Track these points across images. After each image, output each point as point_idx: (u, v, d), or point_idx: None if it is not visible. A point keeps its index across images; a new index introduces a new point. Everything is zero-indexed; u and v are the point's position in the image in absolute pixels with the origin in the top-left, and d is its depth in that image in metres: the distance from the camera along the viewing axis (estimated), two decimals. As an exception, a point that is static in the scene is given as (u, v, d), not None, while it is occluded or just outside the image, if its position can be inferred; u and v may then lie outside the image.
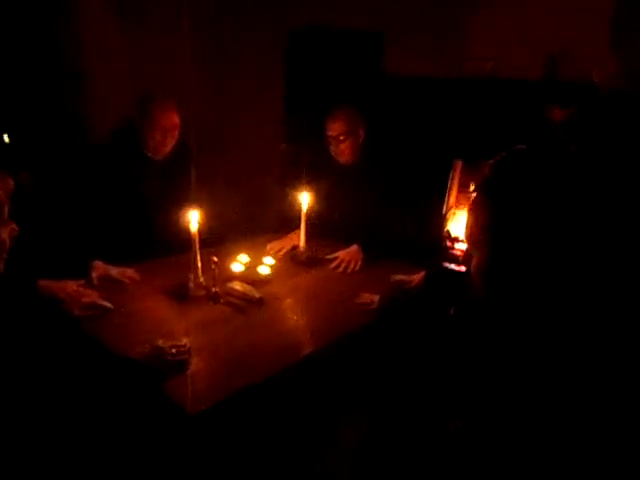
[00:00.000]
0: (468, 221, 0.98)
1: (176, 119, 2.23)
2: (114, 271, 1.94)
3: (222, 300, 1.84)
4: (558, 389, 0.84)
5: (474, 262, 0.97)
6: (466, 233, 0.99)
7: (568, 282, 0.87)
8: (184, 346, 1.44)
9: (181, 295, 1.84)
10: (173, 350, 1.41)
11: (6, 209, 1.30)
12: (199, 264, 1.84)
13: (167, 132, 2.21)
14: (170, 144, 2.26)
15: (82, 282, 1.80)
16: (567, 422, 0.82)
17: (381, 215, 2.34)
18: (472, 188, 0.97)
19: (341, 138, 2.35)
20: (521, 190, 0.88)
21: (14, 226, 1.36)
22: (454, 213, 2.46)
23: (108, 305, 1.70)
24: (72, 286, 1.73)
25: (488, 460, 0.89)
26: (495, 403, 0.90)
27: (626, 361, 0.85)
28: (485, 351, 0.96)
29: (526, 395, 0.85)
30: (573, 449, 0.82)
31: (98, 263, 1.92)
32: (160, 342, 1.42)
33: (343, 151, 2.39)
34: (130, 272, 1.96)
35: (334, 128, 2.36)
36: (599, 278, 0.89)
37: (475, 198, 0.96)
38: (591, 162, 0.93)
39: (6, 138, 2.98)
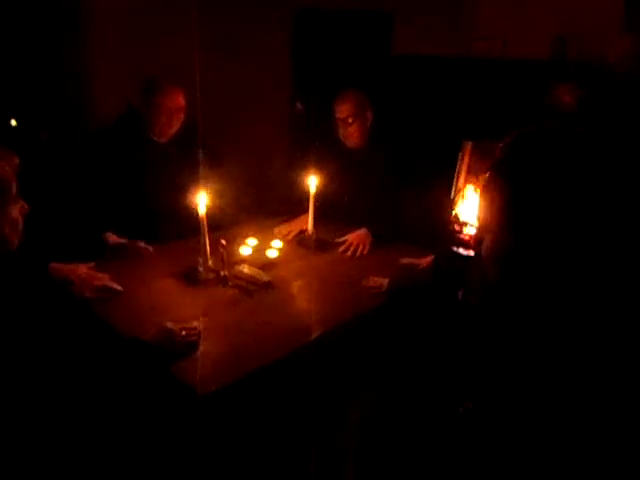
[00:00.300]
0: (481, 203, 0.97)
1: (182, 101, 2.22)
2: (128, 241, 2.00)
3: (231, 283, 1.84)
4: (568, 372, 0.83)
5: (486, 245, 0.96)
6: (478, 215, 0.98)
7: (584, 266, 0.86)
8: (194, 328, 1.46)
9: (190, 278, 1.85)
10: (183, 332, 1.42)
11: (14, 186, 1.29)
12: (208, 248, 1.85)
13: (173, 114, 2.20)
14: (175, 126, 2.25)
15: (92, 265, 1.81)
16: (576, 406, 0.82)
17: (389, 198, 2.33)
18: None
19: (349, 120, 2.33)
20: (535, 171, 0.86)
21: (24, 204, 1.35)
22: (463, 196, 2.44)
23: (118, 288, 1.71)
24: (83, 269, 1.74)
25: (498, 442, 0.89)
26: (505, 386, 0.90)
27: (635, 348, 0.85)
28: (494, 335, 0.95)
29: (536, 378, 0.85)
30: (582, 435, 0.82)
31: (111, 234, 2.01)
32: (169, 324, 1.43)
33: (351, 134, 2.36)
34: (142, 244, 2.00)
35: (342, 110, 2.34)
36: (613, 263, 0.88)
37: (488, 180, 0.95)
38: (602, 142, 0.91)
39: (13, 122, 2.98)
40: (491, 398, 0.92)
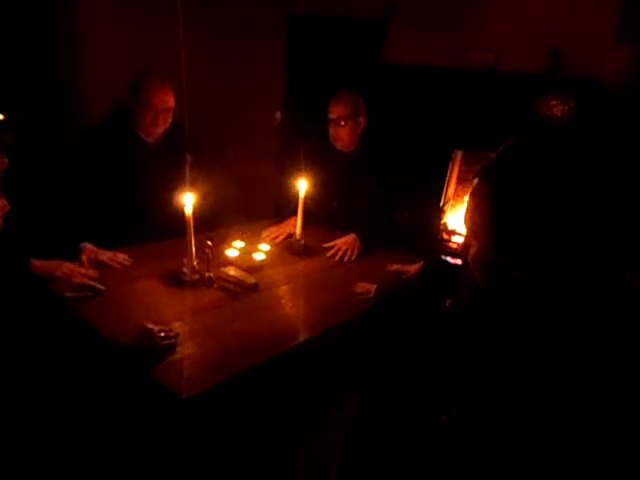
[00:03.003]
0: (469, 208, 0.96)
1: (170, 102, 2.17)
2: (104, 255, 1.90)
3: (216, 285, 1.81)
4: (554, 380, 0.83)
5: (473, 250, 0.96)
6: (466, 220, 0.97)
7: (570, 271, 0.86)
8: (171, 330, 1.43)
9: (175, 279, 1.82)
10: (162, 334, 1.39)
11: None
12: (193, 248, 1.81)
13: (159, 113, 2.15)
14: (161, 126, 2.20)
15: (77, 264, 1.77)
16: (562, 414, 0.82)
17: (379, 204, 2.32)
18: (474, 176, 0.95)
19: (342, 123, 2.32)
20: (525, 177, 0.87)
21: (5, 202, 1.32)
22: (452, 205, 2.44)
23: (99, 287, 1.67)
24: (68, 265, 1.70)
25: (482, 449, 0.88)
26: (490, 393, 0.89)
27: (622, 355, 0.85)
28: (481, 341, 0.94)
29: (521, 386, 0.84)
30: (566, 439, 0.81)
31: (88, 245, 1.89)
32: (149, 325, 1.41)
33: (342, 136, 2.36)
34: (122, 257, 1.93)
35: (335, 111, 2.33)
36: (600, 267, 0.88)
37: (477, 184, 0.94)
38: (587, 152, 0.92)
39: (0, 116, 2.92)
40: (476, 406, 0.91)
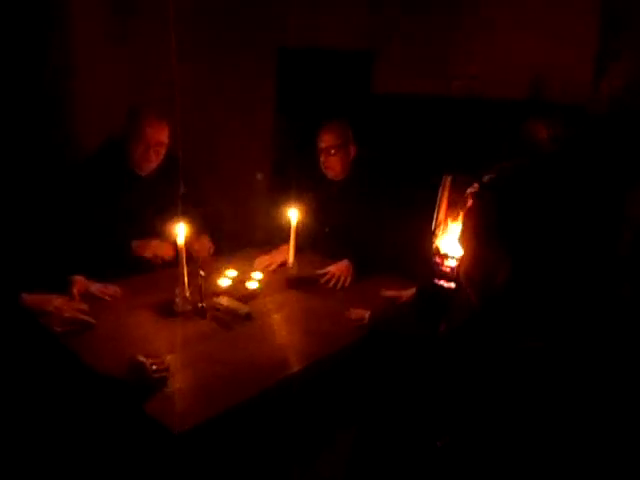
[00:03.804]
0: (467, 225, 0.97)
1: (163, 137, 2.18)
2: (95, 287, 1.89)
3: (209, 315, 1.80)
4: (549, 405, 0.82)
5: (467, 266, 0.96)
6: (464, 238, 0.98)
7: (565, 283, 0.87)
8: (163, 363, 1.40)
9: (167, 310, 1.80)
10: (153, 367, 1.37)
11: None
12: (186, 278, 1.80)
13: (151, 148, 2.15)
14: (154, 161, 2.20)
15: (68, 297, 1.75)
16: (557, 439, 0.81)
17: (371, 231, 2.33)
18: (469, 191, 0.97)
19: (332, 152, 2.35)
20: (525, 193, 0.89)
21: None
22: (444, 229, 2.46)
23: (90, 320, 1.65)
24: (58, 300, 1.68)
25: (477, 476, 0.87)
26: (484, 419, 0.88)
27: (617, 370, 0.85)
28: (475, 366, 0.94)
29: (516, 411, 0.84)
30: (561, 465, 0.80)
31: (79, 278, 1.87)
32: (141, 357, 1.38)
33: (333, 165, 2.39)
34: (112, 289, 1.91)
35: (326, 140, 2.36)
36: (593, 279, 0.89)
37: (477, 199, 0.95)
38: (580, 174, 0.94)
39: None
40: (470, 432, 0.90)
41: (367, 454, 1.12)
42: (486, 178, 0.94)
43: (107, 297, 1.88)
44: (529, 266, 0.88)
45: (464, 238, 0.97)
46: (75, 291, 1.81)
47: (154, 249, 2.16)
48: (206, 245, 2.30)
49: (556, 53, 2.52)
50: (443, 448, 0.93)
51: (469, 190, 0.97)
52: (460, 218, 0.99)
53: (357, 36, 3.20)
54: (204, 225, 2.29)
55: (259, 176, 3.58)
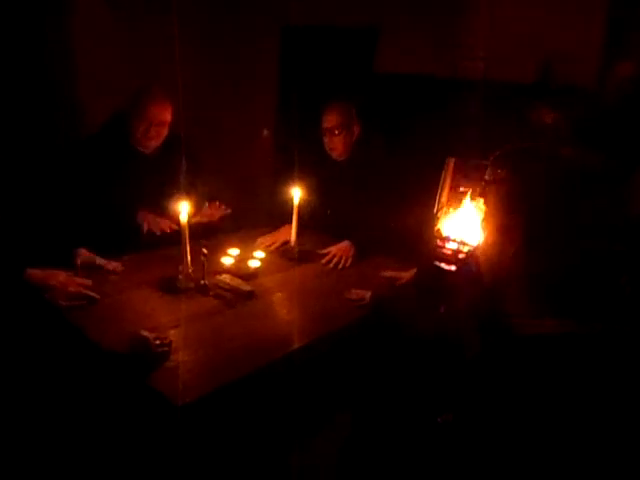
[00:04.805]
0: (490, 207, 0.97)
1: (166, 116, 2.19)
2: (99, 260, 1.91)
3: (211, 293, 1.82)
4: (553, 387, 0.83)
5: (500, 252, 0.95)
6: (488, 222, 0.98)
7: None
8: (166, 338, 1.43)
9: (170, 287, 1.82)
10: (157, 341, 1.39)
11: None
12: (188, 256, 1.82)
13: (152, 126, 2.16)
14: (155, 139, 2.21)
15: (72, 273, 1.77)
16: (559, 419, 0.82)
17: (372, 212, 2.33)
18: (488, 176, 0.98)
19: (336, 132, 2.35)
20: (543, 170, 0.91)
21: None
22: (446, 212, 2.46)
23: (94, 295, 1.67)
24: (62, 275, 1.70)
25: (478, 453, 0.88)
26: (487, 398, 0.90)
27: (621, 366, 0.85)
28: (479, 346, 0.95)
29: (520, 391, 0.85)
30: (562, 450, 0.82)
31: (83, 250, 1.89)
32: (144, 332, 1.41)
33: (337, 145, 2.38)
34: (115, 264, 1.93)
35: (329, 120, 2.35)
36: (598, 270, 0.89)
37: (496, 179, 0.96)
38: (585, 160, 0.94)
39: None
40: (473, 410, 0.92)
41: (366, 430, 1.15)
42: (503, 159, 0.95)
43: (110, 268, 1.90)
44: (538, 237, 0.88)
45: (486, 215, 0.98)
46: (79, 262, 1.84)
47: (148, 224, 2.14)
48: (217, 207, 2.33)
49: (564, 35, 2.48)
50: (444, 424, 0.95)
51: (487, 175, 0.97)
52: (464, 202, 1.00)
53: (363, 14, 3.15)
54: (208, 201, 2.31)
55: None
